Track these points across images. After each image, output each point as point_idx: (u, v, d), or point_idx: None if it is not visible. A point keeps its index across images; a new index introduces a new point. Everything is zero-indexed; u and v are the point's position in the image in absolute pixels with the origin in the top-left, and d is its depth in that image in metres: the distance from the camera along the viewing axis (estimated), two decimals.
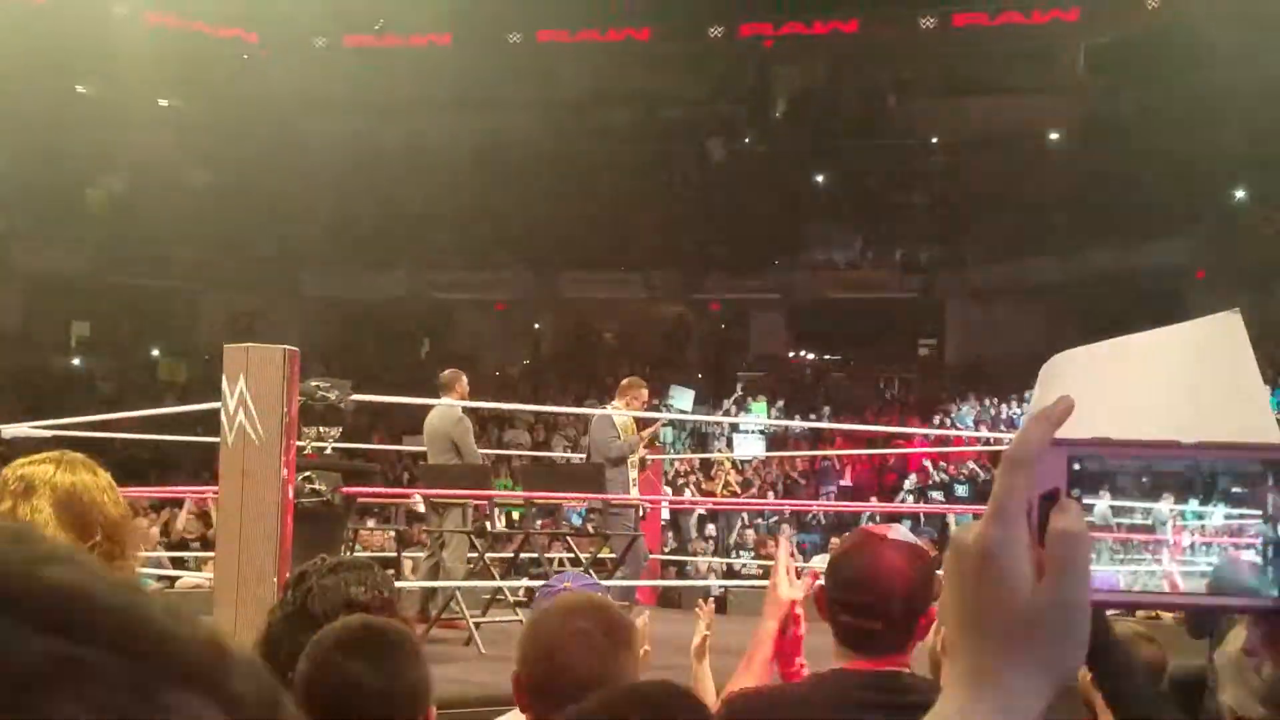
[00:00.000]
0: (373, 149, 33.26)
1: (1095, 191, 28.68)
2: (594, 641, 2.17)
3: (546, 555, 9.55)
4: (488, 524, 8.06)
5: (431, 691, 2.05)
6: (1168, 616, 5.90)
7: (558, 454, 19.44)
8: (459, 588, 7.57)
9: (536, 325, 32.12)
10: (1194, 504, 0.76)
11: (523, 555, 8.62)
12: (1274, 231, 23.97)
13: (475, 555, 8.01)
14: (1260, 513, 0.74)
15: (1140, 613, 5.07)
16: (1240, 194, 26.22)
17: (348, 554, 7.98)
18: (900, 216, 30.77)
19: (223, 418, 5.38)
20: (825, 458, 22.02)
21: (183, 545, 11.36)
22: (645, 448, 8.76)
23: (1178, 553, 0.77)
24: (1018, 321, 27.57)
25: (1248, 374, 2.20)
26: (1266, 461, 0.74)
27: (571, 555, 9.15)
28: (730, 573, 13.28)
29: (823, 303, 30.10)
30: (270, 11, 33.04)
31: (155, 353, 30.55)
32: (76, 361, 30.17)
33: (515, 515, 10.33)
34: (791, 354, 31.23)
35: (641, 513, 9.43)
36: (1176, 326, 2.51)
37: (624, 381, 8.74)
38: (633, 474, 8.48)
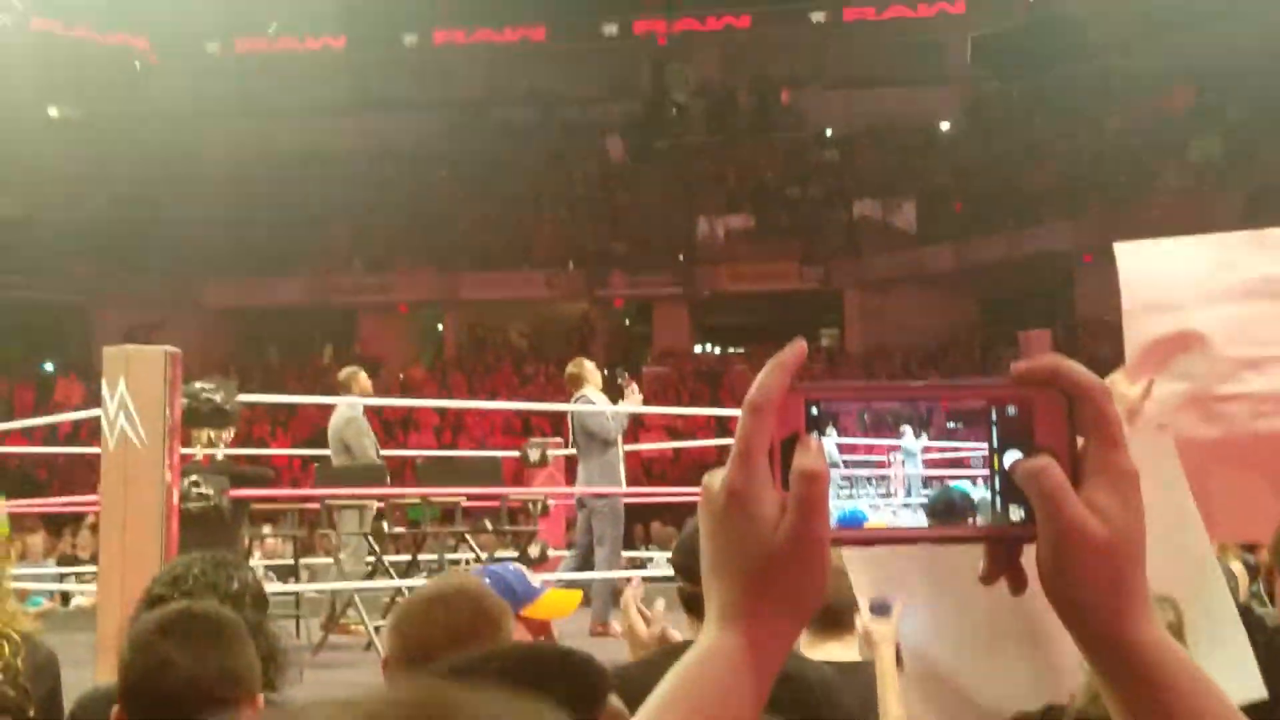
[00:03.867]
0: (268, 154, 32.82)
1: (985, 180, 29.27)
2: (457, 632, 2.12)
3: (450, 557, 9.52)
4: (384, 525, 8.01)
5: (255, 680, 2.05)
6: None
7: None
8: (357, 590, 7.52)
9: (440, 327, 31.93)
10: (913, 440, 0.80)
11: (423, 556, 8.56)
12: (1158, 214, 24.59)
13: (373, 558, 7.96)
14: (985, 445, 0.78)
15: None
16: (1122, 178, 26.92)
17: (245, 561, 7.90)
18: (797, 209, 31.10)
19: (103, 423, 5.29)
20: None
21: (74, 561, 11.14)
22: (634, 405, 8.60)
23: (899, 486, 0.80)
24: (916, 310, 28.01)
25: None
26: (991, 398, 0.78)
27: (474, 555, 9.14)
28: (636, 565, 13.29)
29: (724, 296, 30.31)
30: (159, 17, 32.50)
31: (49, 368, 29.84)
32: None
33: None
34: (696, 348, 31.41)
35: (543, 508, 9.43)
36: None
37: (575, 370, 8.49)
38: (619, 454, 8.35)
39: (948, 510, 0.78)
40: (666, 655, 2.51)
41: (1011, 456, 0.77)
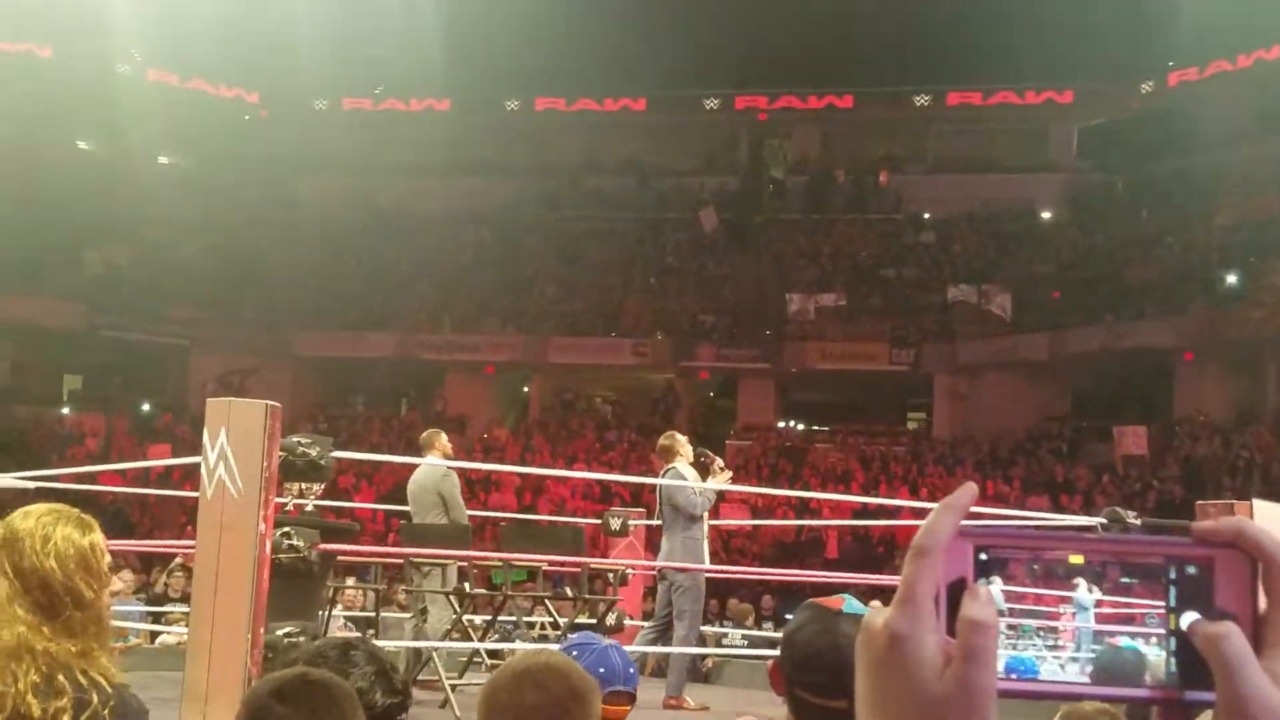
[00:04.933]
0: (366, 211, 33.48)
1: (1084, 271, 28.90)
2: (547, 713, 2.15)
3: (528, 619, 9.50)
4: (466, 585, 8.01)
5: None
6: None
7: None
8: (436, 649, 7.52)
9: (525, 389, 32.13)
10: (1086, 594, 0.78)
11: (502, 618, 8.55)
12: (1262, 315, 24.10)
13: (455, 617, 7.97)
14: (1162, 604, 0.76)
15: None
16: (1230, 277, 26.41)
17: (326, 612, 7.94)
18: (890, 290, 30.96)
19: (203, 471, 5.36)
20: (811, 531, 21.98)
21: (163, 600, 11.30)
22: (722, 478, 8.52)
23: (1069, 639, 0.78)
24: (1006, 398, 27.64)
25: None
26: (1169, 556, 0.76)
27: (552, 619, 9.12)
28: (710, 641, 13.15)
29: (812, 374, 30.17)
30: (271, 72, 33.47)
31: (146, 408, 30.49)
32: (65, 411, 30.07)
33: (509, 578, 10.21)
34: (780, 424, 31.24)
35: (623, 578, 9.38)
36: None
37: (668, 442, 8.46)
38: (705, 529, 8.29)
39: (1113, 671, 0.77)
40: None
41: (1189, 618, 0.75)
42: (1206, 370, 25.23)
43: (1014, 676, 0.76)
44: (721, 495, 8.65)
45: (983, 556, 0.76)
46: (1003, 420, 27.32)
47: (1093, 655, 0.77)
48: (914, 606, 0.73)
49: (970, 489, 0.77)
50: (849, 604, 2.34)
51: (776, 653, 2.33)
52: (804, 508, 22.32)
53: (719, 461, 8.78)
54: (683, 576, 8.13)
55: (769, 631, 14.46)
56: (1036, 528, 0.80)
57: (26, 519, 2.47)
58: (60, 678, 2.32)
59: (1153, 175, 29.84)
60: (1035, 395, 27.84)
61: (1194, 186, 28.51)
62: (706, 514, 8.32)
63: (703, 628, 14.78)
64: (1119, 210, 30.58)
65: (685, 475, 8.19)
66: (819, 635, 2.26)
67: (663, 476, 8.29)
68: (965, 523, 0.76)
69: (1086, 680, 0.76)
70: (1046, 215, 32.19)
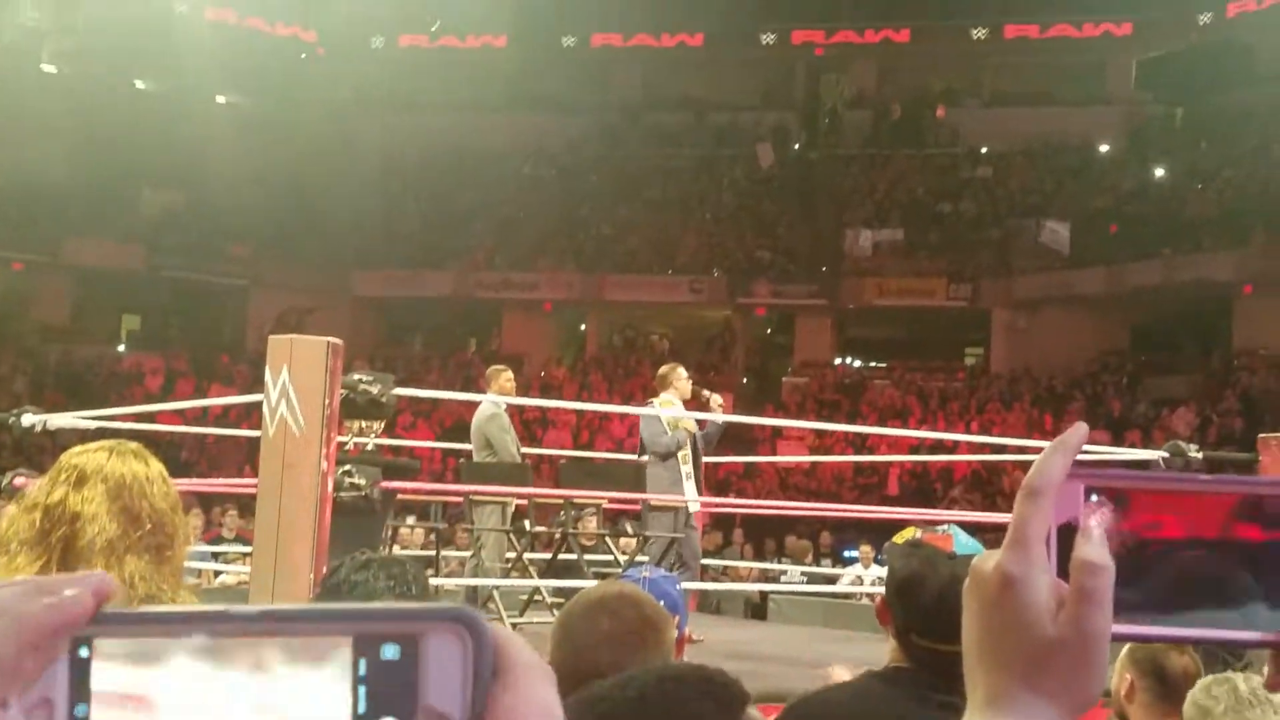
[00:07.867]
0: (423, 148, 33.47)
1: (1142, 205, 28.44)
2: (622, 640, 2.13)
3: (589, 557, 9.55)
4: (525, 523, 8.04)
5: None
6: None
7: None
8: (496, 587, 7.58)
9: (583, 327, 32.17)
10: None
11: (562, 556, 8.59)
12: None
13: (514, 555, 7.99)
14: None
15: None
16: None
17: (386, 551, 8.03)
18: (947, 225, 30.62)
19: (264, 409, 5.39)
20: (869, 468, 21.92)
21: (219, 540, 11.46)
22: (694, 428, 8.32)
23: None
24: (1064, 332, 27.35)
25: None
26: (1265, 496, 0.75)
27: (611, 556, 9.17)
28: (769, 578, 13.22)
29: (869, 310, 29.98)
30: (327, 10, 33.43)
31: (205, 349, 30.82)
32: (121, 349, 30.48)
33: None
34: (837, 361, 31.11)
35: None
36: None
37: (664, 371, 8.46)
38: (685, 469, 8.10)
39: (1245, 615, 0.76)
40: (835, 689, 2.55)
41: None
42: (1266, 303, 24.88)
43: (1123, 618, 0.74)
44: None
45: (1093, 498, 0.74)
46: (1060, 356, 27.07)
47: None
48: (1025, 548, 0.71)
49: (1081, 428, 0.75)
50: (958, 540, 2.32)
51: (857, 589, 2.34)
52: (861, 445, 22.24)
53: (716, 398, 8.66)
54: (657, 516, 8.00)
55: (827, 568, 14.51)
56: (1130, 463, 0.80)
57: (124, 460, 2.49)
58: None
59: (1211, 107, 29.25)
60: (1093, 330, 27.54)
61: (1253, 118, 27.94)
62: (688, 451, 8.05)
63: (758, 564, 14.82)
64: (1177, 143, 30.02)
65: (660, 409, 8.05)
66: (948, 586, 2.19)
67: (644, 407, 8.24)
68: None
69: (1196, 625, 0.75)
70: (1104, 148, 31.64)
